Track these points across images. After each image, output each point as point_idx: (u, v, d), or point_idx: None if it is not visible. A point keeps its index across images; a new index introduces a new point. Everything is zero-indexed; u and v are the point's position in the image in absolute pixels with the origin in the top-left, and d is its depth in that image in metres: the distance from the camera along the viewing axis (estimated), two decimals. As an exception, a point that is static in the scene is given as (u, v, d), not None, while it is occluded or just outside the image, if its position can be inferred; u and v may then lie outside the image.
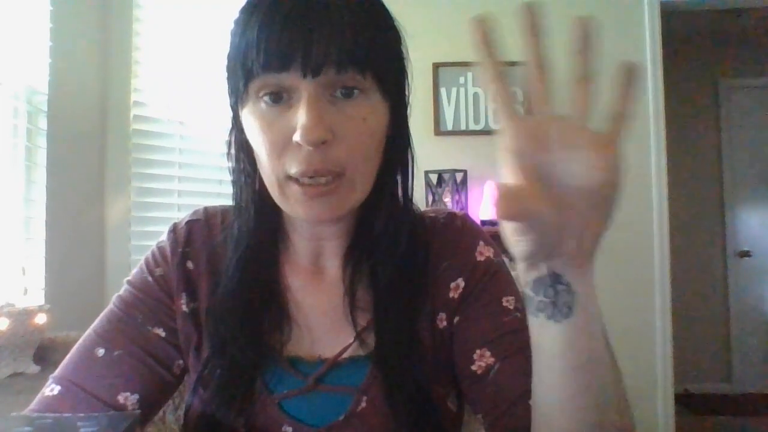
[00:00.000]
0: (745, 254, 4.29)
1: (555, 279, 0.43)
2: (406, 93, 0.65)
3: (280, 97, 0.56)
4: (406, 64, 0.64)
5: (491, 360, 0.62)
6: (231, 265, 0.66)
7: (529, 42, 0.44)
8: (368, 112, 0.58)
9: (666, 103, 2.67)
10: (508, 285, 0.68)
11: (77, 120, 1.85)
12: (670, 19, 2.76)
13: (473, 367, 0.64)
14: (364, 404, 0.62)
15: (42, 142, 1.69)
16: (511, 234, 0.42)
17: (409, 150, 0.67)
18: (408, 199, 0.68)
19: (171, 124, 2.09)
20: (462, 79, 2.64)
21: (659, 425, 2.59)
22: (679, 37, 3.78)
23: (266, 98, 0.56)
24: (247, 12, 0.56)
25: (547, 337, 0.45)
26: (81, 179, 1.87)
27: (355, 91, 0.56)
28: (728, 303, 4.29)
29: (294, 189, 0.57)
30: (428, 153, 2.59)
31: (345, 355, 0.64)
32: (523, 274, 0.46)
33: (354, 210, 0.63)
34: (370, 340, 0.64)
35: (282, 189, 0.58)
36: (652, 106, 2.64)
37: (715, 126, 4.37)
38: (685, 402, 3.74)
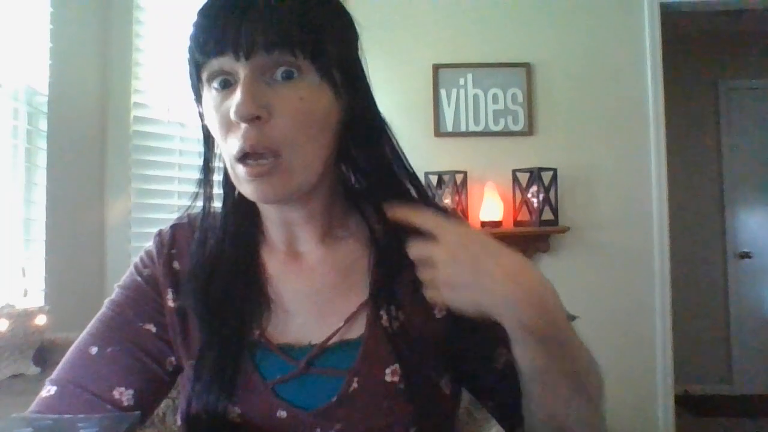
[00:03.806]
0: (745, 255, 4.29)
1: None
2: (365, 82, 0.67)
3: (228, 83, 0.60)
4: (359, 54, 0.67)
5: (509, 355, 0.65)
6: (207, 239, 0.69)
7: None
8: (306, 93, 0.60)
9: (666, 103, 2.67)
10: None
11: (77, 121, 1.85)
12: (670, 19, 2.76)
13: (497, 365, 0.68)
14: (355, 385, 0.63)
15: (42, 143, 1.69)
16: None
17: (373, 133, 0.68)
18: (385, 184, 0.69)
19: (171, 126, 2.09)
20: (462, 81, 2.64)
21: (659, 426, 2.59)
22: (679, 37, 3.78)
23: (215, 84, 0.60)
24: (199, 7, 0.61)
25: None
26: (81, 180, 1.87)
27: (295, 73, 0.59)
28: (728, 303, 4.29)
29: (240, 169, 0.60)
30: (428, 154, 2.60)
31: (334, 340, 0.66)
32: None
33: (310, 192, 0.65)
34: (358, 324, 0.66)
35: (233, 170, 0.62)
36: (652, 107, 2.65)
37: (715, 126, 4.37)
38: (685, 403, 3.74)
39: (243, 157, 0.59)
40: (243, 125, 0.58)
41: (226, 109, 0.59)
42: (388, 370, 0.64)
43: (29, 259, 1.62)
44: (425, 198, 0.72)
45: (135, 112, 2.00)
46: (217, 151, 0.69)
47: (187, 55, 0.63)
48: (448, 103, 2.64)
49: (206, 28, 0.59)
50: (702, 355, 4.15)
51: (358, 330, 0.66)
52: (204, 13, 0.60)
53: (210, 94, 0.61)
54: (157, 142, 2.06)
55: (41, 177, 1.68)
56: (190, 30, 0.61)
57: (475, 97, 2.64)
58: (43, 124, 1.70)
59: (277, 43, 0.57)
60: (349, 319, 0.66)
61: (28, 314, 1.32)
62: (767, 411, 3.84)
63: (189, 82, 0.65)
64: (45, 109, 1.70)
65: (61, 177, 1.74)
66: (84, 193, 1.89)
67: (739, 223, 4.35)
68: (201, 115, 0.67)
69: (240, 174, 0.60)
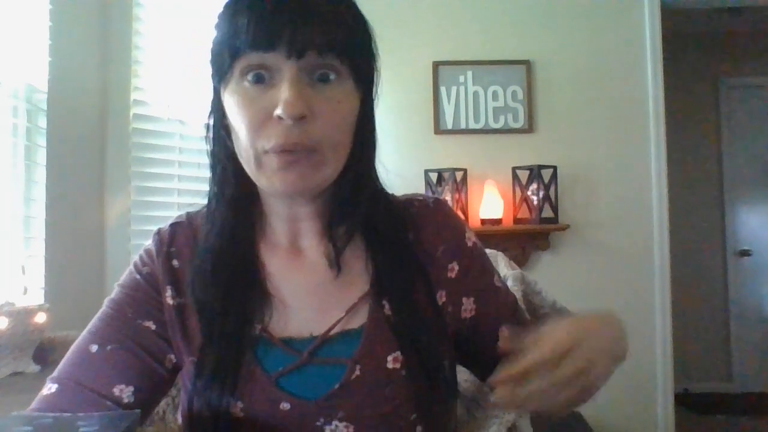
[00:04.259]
0: (745, 254, 4.29)
1: None
2: (375, 87, 0.71)
3: (262, 78, 0.61)
4: (377, 60, 0.70)
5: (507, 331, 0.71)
6: (208, 236, 0.69)
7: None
8: (342, 96, 0.63)
9: (666, 102, 2.67)
10: (492, 265, 0.78)
11: (77, 119, 1.85)
12: (670, 19, 2.75)
13: (501, 343, 0.70)
14: (358, 372, 0.65)
15: (42, 141, 1.69)
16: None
17: (373, 137, 0.72)
18: (374, 181, 0.73)
19: (171, 124, 2.09)
20: (462, 78, 2.64)
21: (659, 425, 2.59)
22: (680, 35, 3.78)
23: (249, 77, 0.61)
24: (236, 1, 0.62)
25: None
26: (81, 178, 1.87)
27: (331, 76, 0.62)
28: (728, 303, 4.29)
29: (270, 160, 0.61)
30: (428, 152, 2.60)
31: (335, 330, 0.67)
32: None
33: (325, 188, 0.67)
34: (359, 315, 0.68)
35: (259, 162, 0.62)
36: (652, 106, 2.64)
37: (715, 126, 4.36)
38: (685, 401, 3.74)
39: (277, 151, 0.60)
40: (287, 122, 0.59)
41: (266, 104, 0.60)
42: (389, 357, 0.66)
43: (29, 256, 1.62)
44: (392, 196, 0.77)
45: (135, 110, 2.00)
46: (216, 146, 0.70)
47: (221, 46, 0.63)
48: (448, 101, 2.64)
49: (258, 21, 0.59)
50: (702, 353, 4.15)
51: (359, 320, 0.68)
52: (254, 6, 0.60)
53: (241, 86, 0.62)
54: (157, 140, 2.06)
55: (41, 175, 1.68)
56: (230, 20, 0.62)
57: (475, 94, 2.64)
58: (42, 122, 1.69)
59: (330, 46, 0.60)
60: (351, 310, 0.68)
61: (28, 312, 1.32)
62: (767, 409, 3.85)
63: (214, 72, 0.66)
64: (44, 106, 1.70)
65: (60, 175, 1.73)
66: (84, 191, 1.88)
67: (739, 221, 4.35)
68: (219, 109, 0.67)
69: (269, 165, 0.61)
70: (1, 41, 1.54)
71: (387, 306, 0.68)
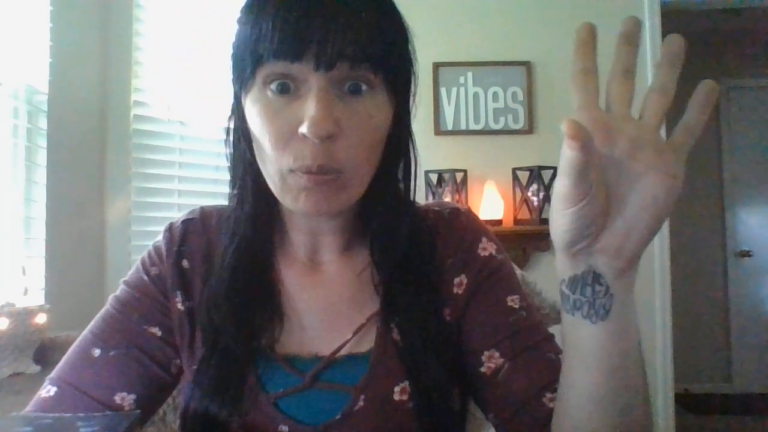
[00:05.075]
0: (745, 254, 4.30)
1: (594, 278, 0.44)
2: (412, 94, 0.65)
3: (287, 88, 0.56)
4: (414, 65, 0.64)
5: (500, 361, 0.63)
6: (226, 253, 0.65)
7: (623, 50, 0.45)
8: (374, 109, 0.58)
9: (666, 102, 2.66)
10: (513, 283, 0.68)
11: (77, 120, 1.85)
12: (670, 18, 2.75)
13: (482, 369, 0.64)
14: (361, 403, 0.61)
15: (42, 141, 1.69)
16: (557, 213, 0.44)
17: (411, 149, 0.67)
18: (408, 196, 0.68)
19: (171, 125, 2.09)
20: (462, 79, 2.64)
21: (659, 425, 2.59)
22: (680, 37, 3.77)
23: (273, 87, 0.56)
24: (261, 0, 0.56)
25: (581, 336, 0.46)
26: (81, 179, 1.87)
27: (363, 87, 0.56)
28: (728, 303, 4.29)
29: (296, 181, 0.56)
30: (428, 153, 2.59)
31: (342, 353, 0.64)
32: (561, 270, 0.46)
33: (351, 206, 0.63)
34: (368, 337, 0.64)
35: (284, 181, 0.58)
36: (653, 106, 2.64)
37: (715, 125, 4.37)
38: (685, 402, 3.74)
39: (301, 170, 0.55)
40: (312, 141, 0.54)
41: (291, 118, 0.55)
42: (396, 388, 0.61)
43: (29, 257, 1.62)
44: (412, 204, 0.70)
45: (135, 111, 2.00)
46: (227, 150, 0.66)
47: (243, 49, 0.57)
48: (449, 102, 2.64)
49: (284, 28, 0.53)
50: (702, 353, 4.15)
51: (367, 343, 0.64)
52: (280, 9, 0.54)
53: (263, 95, 0.57)
54: (158, 141, 2.06)
55: (41, 175, 1.68)
56: (253, 22, 0.56)
57: (476, 95, 2.64)
58: (43, 123, 1.69)
59: (364, 58, 0.54)
60: (358, 331, 0.64)
61: (29, 313, 1.32)
62: (767, 409, 3.85)
63: (235, 76, 0.61)
64: (45, 107, 1.70)
65: (61, 175, 1.73)
66: (84, 192, 1.88)
67: (739, 222, 4.35)
68: (238, 115, 0.62)
69: (294, 186, 0.57)
70: (2, 42, 1.54)
71: (395, 330, 0.63)
